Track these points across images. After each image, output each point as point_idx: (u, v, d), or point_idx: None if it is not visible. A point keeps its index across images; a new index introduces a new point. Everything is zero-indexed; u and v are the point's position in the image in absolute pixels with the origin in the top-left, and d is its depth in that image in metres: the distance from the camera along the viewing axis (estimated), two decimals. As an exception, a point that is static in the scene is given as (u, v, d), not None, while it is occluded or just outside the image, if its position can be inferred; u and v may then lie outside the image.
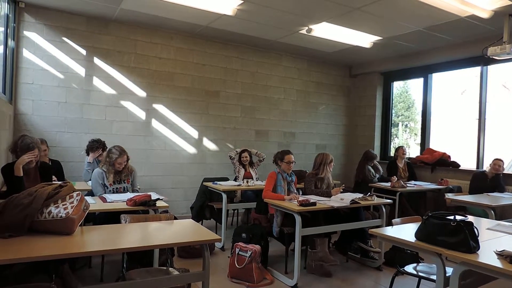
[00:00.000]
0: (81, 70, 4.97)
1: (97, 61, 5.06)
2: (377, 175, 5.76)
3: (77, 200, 2.13)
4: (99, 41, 5.07)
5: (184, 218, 2.88)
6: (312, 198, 3.65)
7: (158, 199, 3.15)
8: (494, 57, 4.58)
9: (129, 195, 3.28)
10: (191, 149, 5.77)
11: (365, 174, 5.66)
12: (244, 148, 5.41)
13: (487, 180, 4.88)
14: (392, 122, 7.42)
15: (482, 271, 1.96)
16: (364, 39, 5.49)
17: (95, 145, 4.33)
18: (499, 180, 4.87)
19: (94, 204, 2.99)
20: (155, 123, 5.47)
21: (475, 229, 2.07)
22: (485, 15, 4.27)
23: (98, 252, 2.13)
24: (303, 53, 6.58)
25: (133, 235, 2.27)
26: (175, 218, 2.78)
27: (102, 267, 3.35)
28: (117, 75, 5.19)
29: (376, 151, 6.92)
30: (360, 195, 3.78)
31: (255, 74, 6.35)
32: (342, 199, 3.64)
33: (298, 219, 3.30)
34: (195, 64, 5.77)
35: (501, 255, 1.91)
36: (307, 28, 5.10)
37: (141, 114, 5.38)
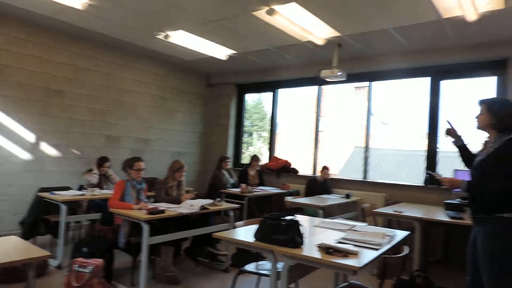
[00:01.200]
0: None
1: None
2: (231, 180, 6.04)
3: None
4: None
5: (11, 235, 2.45)
6: (162, 205, 3.60)
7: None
8: (326, 79, 5.34)
9: None
10: (25, 155, 5.01)
11: (219, 178, 5.86)
12: (104, 155, 4.96)
13: (318, 184, 5.65)
14: (248, 131, 7.91)
15: (306, 262, 2.24)
16: (220, 51, 5.73)
17: None
18: (327, 184, 5.70)
19: None
20: (-25, 124, 4.58)
21: (301, 227, 2.36)
22: (319, 42, 4.95)
23: None
24: (161, 59, 6.46)
25: None
26: (-5, 236, 2.36)
27: None
28: None
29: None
30: (210, 201, 3.90)
31: (108, 76, 5.94)
32: (192, 205, 3.68)
33: (145, 228, 3.20)
34: (33, 57, 5.06)
35: (320, 247, 2.21)
36: (164, 34, 5.05)
37: (-44, 111, 4.43)
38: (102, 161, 4.89)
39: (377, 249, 2.24)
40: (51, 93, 5.25)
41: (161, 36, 5.14)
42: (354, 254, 2.10)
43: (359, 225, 2.90)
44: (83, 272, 3.09)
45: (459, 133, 2.77)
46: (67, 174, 5.38)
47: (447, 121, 2.83)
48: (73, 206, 4.31)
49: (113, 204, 3.57)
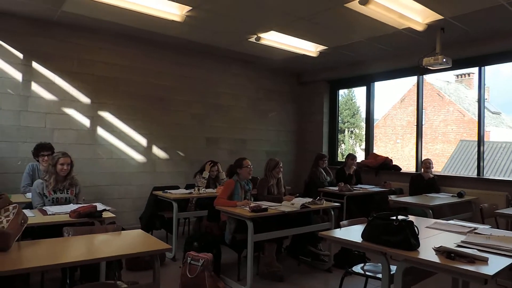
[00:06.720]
0: (17, 75, 4.63)
1: (36, 65, 4.75)
2: (328, 178, 5.94)
3: (13, 213, 1.98)
4: (38, 44, 4.76)
5: (133, 229, 2.78)
6: (264, 204, 3.69)
7: (104, 210, 3.01)
8: (428, 67, 4.92)
9: (72, 206, 3.10)
10: (140, 158, 5.59)
11: (316, 176, 5.80)
12: (212, 160, 5.20)
13: (423, 181, 5.23)
14: (339, 128, 7.70)
15: (423, 267, 2.08)
16: (310, 48, 5.68)
17: (46, 146, 4.06)
18: (435, 181, 5.25)
19: (33, 217, 2.78)
20: (100, 131, 5.24)
21: (416, 228, 2.20)
22: (420, 28, 4.58)
23: (36, 269, 1.99)
24: (253, 60, 6.65)
25: (77, 248, 2.15)
26: (123, 229, 2.67)
27: (42, 286, 3.12)
28: (58, 81, 4.92)
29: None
30: (310, 200, 3.87)
31: (205, 81, 6.31)
32: (292, 204, 3.70)
33: (250, 225, 3.31)
34: (142, 69, 5.62)
35: (439, 251, 2.03)
36: (256, 36, 5.17)
37: (86, 121, 5.12)
38: (211, 165, 5.08)
39: (510, 256, 1.97)
40: (158, 100, 5.77)
41: (253, 38, 5.27)
42: (482, 260, 1.88)
43: (482, 227, 2.61)
44: (195, 265, 3.31)
45: None
46: (173, 174, 5.86)
47: None
48: (183, 204, 4.66)
49: (218, 202, 3.76)
